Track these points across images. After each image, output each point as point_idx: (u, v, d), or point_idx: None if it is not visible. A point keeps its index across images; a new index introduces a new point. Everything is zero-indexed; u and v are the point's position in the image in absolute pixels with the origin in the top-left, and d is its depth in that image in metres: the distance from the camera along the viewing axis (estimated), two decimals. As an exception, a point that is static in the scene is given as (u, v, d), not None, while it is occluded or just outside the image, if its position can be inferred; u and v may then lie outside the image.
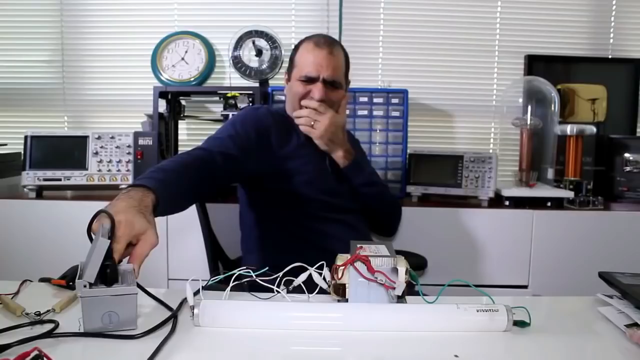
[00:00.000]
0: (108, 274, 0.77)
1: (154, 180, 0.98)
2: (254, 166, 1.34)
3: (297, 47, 1.47)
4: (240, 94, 2.11)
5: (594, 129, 2.10)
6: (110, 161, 1.98)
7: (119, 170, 1.98)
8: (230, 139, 1.29)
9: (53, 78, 2.44)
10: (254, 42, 2.22)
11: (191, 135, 2.42)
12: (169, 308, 0.88)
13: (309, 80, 1.39)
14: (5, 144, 2.22)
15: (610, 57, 2.45)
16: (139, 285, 0.87)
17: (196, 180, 1.14)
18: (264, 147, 1.36)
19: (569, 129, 2.07)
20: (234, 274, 0.90)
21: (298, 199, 1.39)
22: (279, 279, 0.91)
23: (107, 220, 0.82)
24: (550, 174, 2.14)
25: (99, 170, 1.97)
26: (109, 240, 0.78)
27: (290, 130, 1.44)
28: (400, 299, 0.85)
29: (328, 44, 1.41)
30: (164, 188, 0.97)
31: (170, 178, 1.04)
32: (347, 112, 2.11)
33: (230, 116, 1.99)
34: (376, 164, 2.05)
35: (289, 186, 1.39)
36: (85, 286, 0.75)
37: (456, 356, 0.72)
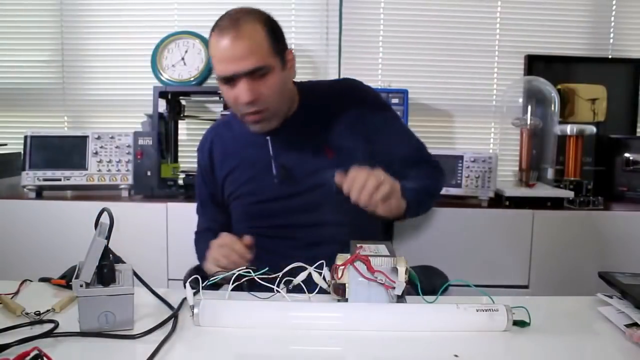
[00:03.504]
0: (105, 274, 0.77)
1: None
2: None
3: (209, 40, 1.16)
4: (240, 94, 2.11)
5: (594, 129, 2.10)
6: (110, 161, 1.98)
7: (118, 170, 1.98)
8: (203, 197, 1.39)
9: (53, 78, 2.44)
10: (254, 42, 2.22)
11: (191, 135, 2.42)
12: (169, 306, 0.88)
13: (228, 80, 1.12)
14: (5, 144, 2.22)
15: (610, 57, 2.45)
16: (141, 281, 0.88)
17: None
18: (215, 178, 1.33)
19: (569, 129, 2.07)
20: (234, 274, 0.91)
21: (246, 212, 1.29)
22: (278, 278, 0.91)
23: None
24: (550, 174, 2.14)
25: (99, 170, 1.97)
26: (106, 240, 0.77)
27: (224, 144, 1.30)
28: (400, 298, 0.85)
29: (232, 25, 1.08)
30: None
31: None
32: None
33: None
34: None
35: (238, 200, 1.29)
36: (81, 286, 0.75)
37: (456, 356, 0.72)
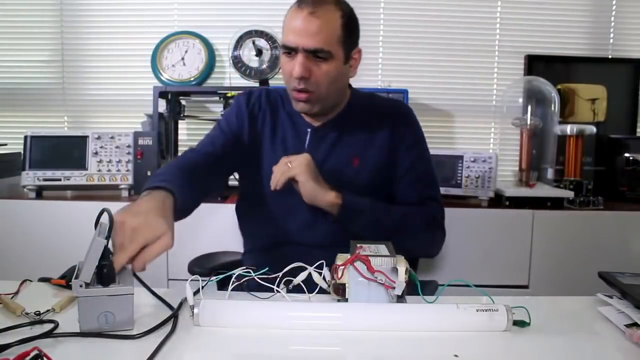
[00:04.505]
0: (104, 274, 0.77)
1: (172, 183, 0.98)
2: (236, 160, 1.28)
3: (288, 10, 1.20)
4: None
5: (594, 129, 2.10)
6: (110, 161, 1.98)
7: (118, 170, 1.98)
8: (215, 137, 1.26)
9: (53, 78, 2.44)
10: (254, 42, 2.22)
11: (191, 135, 2.42)
12: (169, 306, 0.88)
13: (290, 51, 1.13)
14: (5, 144, 2.22)
15: (610, 57, 2.45)
16: (140, 281, 0.87)
17: (202, 183, 1.14)
18: (239, 138, 1.27)
19: (569, 129, 2.08)
20: (234, 274, 0.91)
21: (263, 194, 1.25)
22: (278, 278, 0.91)
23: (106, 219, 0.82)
24: (550, 174, 2.14)
25: (99, 170, 1.97)
26: (105, 240, 0.77)
27: (273, 113, 1.28)
28: (400, 298, 0.85)
29: (312, 2, 1.11)
30: (181, 191, 0.98)
31: (183, 182, 1.03)
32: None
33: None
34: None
35: (256, 180, 1.25)
36: (81, 286, 0.75)
37: (456, 356, 0.72)
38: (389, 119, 1.25)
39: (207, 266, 1.44)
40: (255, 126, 1.27)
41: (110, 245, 0.80)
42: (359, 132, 1.24)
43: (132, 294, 0.78)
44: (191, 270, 1.40)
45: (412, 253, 1.28)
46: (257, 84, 2.21)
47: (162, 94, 2.16)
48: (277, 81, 2.24)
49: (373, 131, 1.24)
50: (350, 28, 1.15)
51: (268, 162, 1.23)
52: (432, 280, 1.29)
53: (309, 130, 1.24)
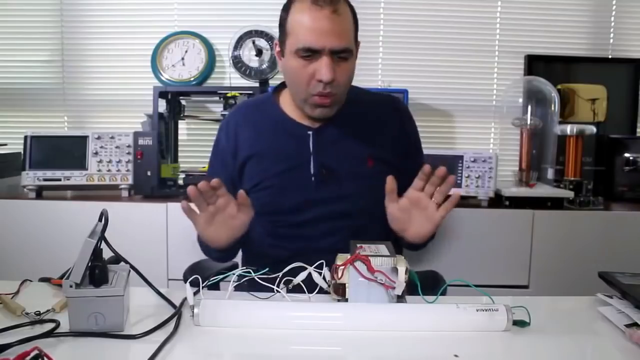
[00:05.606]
0: (96, 275, 0.77)
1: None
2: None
3: (287, 7, 1.10)
4: (240, 94, 2.12)
5: (594, 129, 2.10)
6: (110, 161, 1.98)
7: (118, 170, 1.98)
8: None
9: (53, 78, 2.44)
10: (254, 42, 2.22)
11: (191, 135, 2.42)
12: (173, 305, 0.88)
13: (310, 54, 1.06)
14: (5, 144, 2.22)
15: (610, 57, 2.45)
16: (144, 279, 0.87)
17: None
18: (237, 161, 1.22)
19: (569, 129, 2.07)
20: (234, 274, 0.91)
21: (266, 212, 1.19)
22: (278, 278, 0.91)
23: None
24: (550, 174, 2.14)
25: (99, 170, 1.97)
26: (94, 241, 0.77)
27: (257, 128, 1.21)
28: (400, 298, 0.85)
29: (330, 0, 1.04)
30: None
31: None
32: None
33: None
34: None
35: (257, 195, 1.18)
36: (71, 286, 0.75)
37: (456, 356, 0.72)
38: (390, 116, 1.22)
39: (203, 274, 1.41)
40: (239, 154, 1.21)
41: (102, 246, 0.80)
42: (364, 131, 1.19)
43: (122, 295, 0.78)
44: (186, 279, 1.37)
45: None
46: (257, 84, 2.21)
47: (162, 94, 2.16)
48: (276, 81, 2.23)
49: (379, 131, 1.20)
50: (356, 23, 1.12)
51: (272, 174, 1.17)
52: (434, 272, 1.30)
53: (310, 133, 1.17)
